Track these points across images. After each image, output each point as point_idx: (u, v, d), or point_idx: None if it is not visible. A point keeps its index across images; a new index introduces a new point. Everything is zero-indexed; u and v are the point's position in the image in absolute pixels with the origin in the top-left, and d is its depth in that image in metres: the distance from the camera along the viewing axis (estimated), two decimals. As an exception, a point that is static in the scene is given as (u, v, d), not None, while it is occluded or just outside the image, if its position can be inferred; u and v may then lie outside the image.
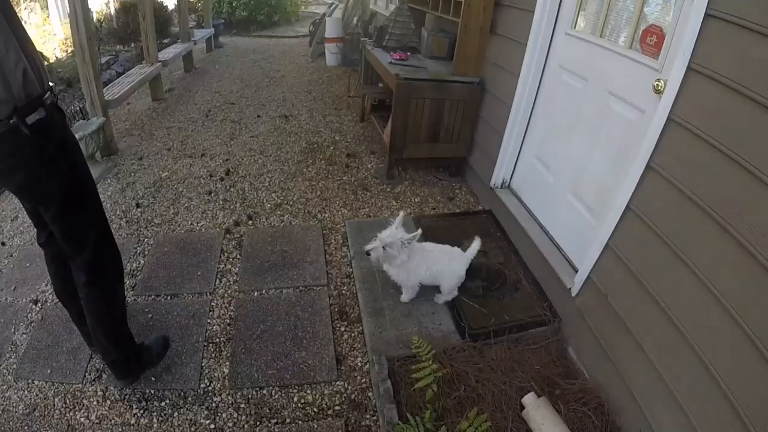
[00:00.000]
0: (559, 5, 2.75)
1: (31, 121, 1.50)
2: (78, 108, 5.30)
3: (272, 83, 6.78)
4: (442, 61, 4.03)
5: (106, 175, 4.00)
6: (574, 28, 2.69)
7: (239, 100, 6.01)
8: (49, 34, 8.58)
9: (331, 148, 4.66)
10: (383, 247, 2.28)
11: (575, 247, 2.60)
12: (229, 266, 2.96)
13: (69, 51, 8.06)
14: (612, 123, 2.33)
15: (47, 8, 9.13)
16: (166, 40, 8.29)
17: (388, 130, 3.90)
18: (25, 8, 8.36)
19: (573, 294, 2.40)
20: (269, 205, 3.64)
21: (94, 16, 8.30)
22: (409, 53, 4.12)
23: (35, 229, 2.00)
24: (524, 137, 3.20)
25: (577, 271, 2.43)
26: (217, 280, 2.84)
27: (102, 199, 1.97)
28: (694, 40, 1.68)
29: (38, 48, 1.54)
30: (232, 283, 2.83)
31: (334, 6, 9.47)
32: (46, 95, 1.60)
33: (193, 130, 5.05)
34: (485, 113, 3.65)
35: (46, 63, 6.68)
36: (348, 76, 6.77)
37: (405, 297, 2.58)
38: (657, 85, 1.91)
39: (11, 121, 1.45)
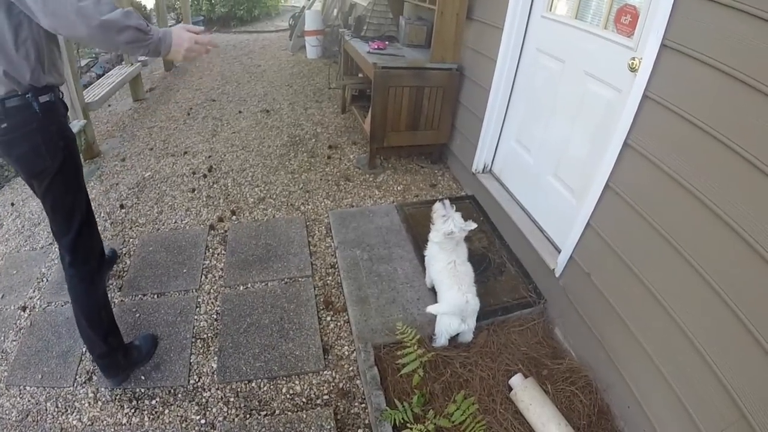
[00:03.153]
0: (534, -12, 2.75)
1: (42, 100, 1.72)
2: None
3: (253, 78, 6.72)
4: (420, 49, 4.01)
5: (90, 177, 3.94)
6: (550, 10, 2.69)
7: (220, 97, 5.95)
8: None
9: (313, 140, 4.64)
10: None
11: (557, 228, 2.62)
12: (215, 262, 2.95)
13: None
14: (590, 103, 2.34)
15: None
16: (144, 40, 8.16)
17: (369, 120, 3.90)
18: None
19: (557, 275, 2.42)
20: (252, 200, 3.62)
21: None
22: (387, 42, 4.09)
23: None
24: (504, 121, 3.21)
25: (560, 252, 2.46)
26: (203, 277, 2.83)
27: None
28: (667, 18, 1.70)
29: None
30: (217, 278, 2.82)
31: (313, -1, 9.41)
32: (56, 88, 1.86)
33: (175, 128, 5.00)
34: (465, 99, 3.65)
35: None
36: (328, 68, 6.72)
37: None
38: (632, 63, 1.92)
39: (27, 96, 1.67)
